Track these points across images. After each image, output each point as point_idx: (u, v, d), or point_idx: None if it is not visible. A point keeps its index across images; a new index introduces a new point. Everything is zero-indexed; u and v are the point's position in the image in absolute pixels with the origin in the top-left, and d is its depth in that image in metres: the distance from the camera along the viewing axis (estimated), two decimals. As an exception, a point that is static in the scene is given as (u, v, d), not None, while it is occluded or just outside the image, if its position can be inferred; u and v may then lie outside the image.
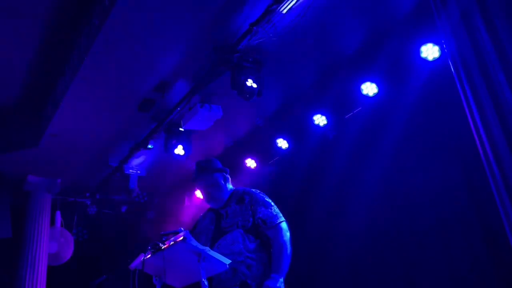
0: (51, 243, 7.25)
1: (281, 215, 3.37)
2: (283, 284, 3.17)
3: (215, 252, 3.02)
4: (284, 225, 3.32)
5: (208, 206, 3.69)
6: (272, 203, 3.43)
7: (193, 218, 7.42)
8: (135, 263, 3.07)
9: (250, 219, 3.32)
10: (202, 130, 5.70)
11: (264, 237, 3.32)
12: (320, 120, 5.60)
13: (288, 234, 3.30)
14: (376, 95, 5.07)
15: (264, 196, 3.47)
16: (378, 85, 5.02)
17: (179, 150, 5.99)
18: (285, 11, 4.23)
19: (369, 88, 5.06)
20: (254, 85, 4.78)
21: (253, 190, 3.53)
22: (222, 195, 3.50)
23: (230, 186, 3.60)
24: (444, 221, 4.42)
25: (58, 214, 7.50)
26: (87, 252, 7.96)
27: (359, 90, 5.10)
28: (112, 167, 7.09)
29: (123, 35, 4.55)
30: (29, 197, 7.21)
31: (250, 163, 6.60)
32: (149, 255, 3.00)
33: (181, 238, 2.85)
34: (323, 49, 5.01)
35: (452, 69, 3.35)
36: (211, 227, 3.49)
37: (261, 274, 3.21)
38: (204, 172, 3.56)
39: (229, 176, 3.61)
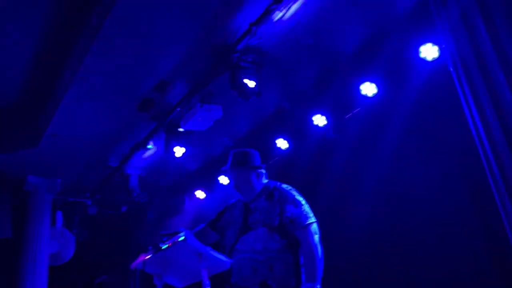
0: (52, 243, 7.26)
1: (311, 215, 3.20)
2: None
3: (216, 252, 3.01)
4: (314, 226, 3.15)
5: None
6: (303, 202, 3.25)
7: (194, 218, 7.45)
8: (136, 263, 3.07)
9: (277, 218, 3.15)
10: (202, 130, 5.70)
11: (291, 238, 3.14)
12: (320, 120, 5.60)
13: (317, 236, 3.13)
14: (375, 95, 5.07)
15: (295, 194, 3.29)
16: (377, 85, 5.02)
17: (179, 151, 5.99)
18: (284, 11, 4.23)
19: (369, 88, 5.06)
20: (254, 85, 4.78)
21: (284, 186, 3.36)
22: (250, 192, 3.33)
23: (264, 180, 3.41)
24: (444, 221, 4.43)
25: (59, 214, 7.51)
26: (87, 252, 7.96)
27: (359, 90, 5.10)
28: (112, 167, 7.10)
29: (122, 35, 4.55)
30: (30, 197, 7.22)
31: (250, 163, 6.59)
32: (150, 255, 2.99)
33: (182, 238, 2.85)
34: (322, 49, 5.01)
35: (451, 69, 3.36)
36: (240, 219, 3.32)
37: (283, 275, 3.06)
38: (238, 166, 3.36)
39: (263, 172, 3.41)
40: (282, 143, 6.17)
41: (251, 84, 4.77)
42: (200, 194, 7.54)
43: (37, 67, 5.39)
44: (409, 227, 4.71)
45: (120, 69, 5.06)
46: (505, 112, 2.96)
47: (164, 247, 2.92)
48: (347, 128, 5.51)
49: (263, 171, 3.42)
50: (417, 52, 4.54)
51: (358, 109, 5.42)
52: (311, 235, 3.11)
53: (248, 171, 3.36)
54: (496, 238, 3.82)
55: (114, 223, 8.23)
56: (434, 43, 4.44)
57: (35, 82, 5.63)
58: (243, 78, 4.75)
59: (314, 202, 5.71)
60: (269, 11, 4.27)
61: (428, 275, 4.49)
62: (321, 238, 3.15)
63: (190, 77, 5.32)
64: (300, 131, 5.94)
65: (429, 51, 4.49)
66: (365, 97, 5.11)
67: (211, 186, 7.23)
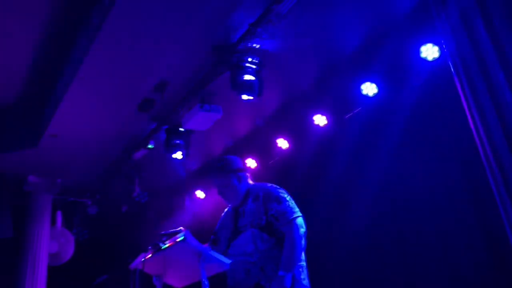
0: (52, 243, 7.25)
1: (296, 209, 3.22)
2: (293, 278, 3.03)
3: (216, 252, 3.02)
4: (299, 220, 3.16)
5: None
6: (287, 198, 3.28)
7: (194, 218, 7.45)
8: (136, 263, 3.07)
9: (263, 217, 3.19)
10: (202, 130, 5.69)
11: (279, 234, 3.17)
12: (320, 120, 5.61)
13: (302, 229, 3.14)
14: (376, 95, 5.07)
15: (279, 191, 3.32)
16: (378, 85, 5.03)
17: (177, 155, 5.97)
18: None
19: (369, 88, 5.07)
20: (254, 85, 4.77)
21: (268, 185, 3.41)
22: (235, 196, 3.37)
23: (249, 182, 3.46)
24: (444, 221, 4.43)
25: (59, 214, 7.51)
26: (87, 252, 7.96)
27: (359, 90, 5.11)
28: (112, 167, 7.09)
29: (122, 35, 4.55)
30: (30, 197, 7.21)
31: (250, 163, 6.61)
32: (150, 255, 2.99)
33: (181, 238, 2.85)
34: (323, 49, 5.01)
35: (451, 69, 3.36)
36: (231, 225, 3.39)
37: (275, 275, 3.05)
38: (218, 172, 3.42)
39: (245, 174, 3.45)
40: (282, 143, 6.17)
41: (251, 84, 4.76)
42: (200, 194, 7.55)
43: (37, 67, 5.39)
44: (409, 226, 4.71)
45: (120, 69, 5.07)
46: (505, 111, 2.97)
47: (164, 247, 2.92)
48: (347, 128, 5.51)
49: (246, 173, 3.47)
50: (417, 52, 4.54)
51: (359, 109, 5.42)
52: (296, 228, 3.12)
53: (227, 174, 3.39)
54: (496, 238, 3.82)
55: (114, 223, 8.22)
56: (435, 43, 4.44)
57: (35, 82, 5.64)
58: (244, 78, 4.75)
59: (314, 202, 5.75)
60: (269, 11, 4.27)
61: (428, 274, 4.49)
62: (306, 233, 3.17)
63: (190, 77, 5.32)
64: (300, 131, 5.94)
65: (429, 51, 4.49)
66: (366, 97, 5.11)
67: (211, 186, 7.22)
